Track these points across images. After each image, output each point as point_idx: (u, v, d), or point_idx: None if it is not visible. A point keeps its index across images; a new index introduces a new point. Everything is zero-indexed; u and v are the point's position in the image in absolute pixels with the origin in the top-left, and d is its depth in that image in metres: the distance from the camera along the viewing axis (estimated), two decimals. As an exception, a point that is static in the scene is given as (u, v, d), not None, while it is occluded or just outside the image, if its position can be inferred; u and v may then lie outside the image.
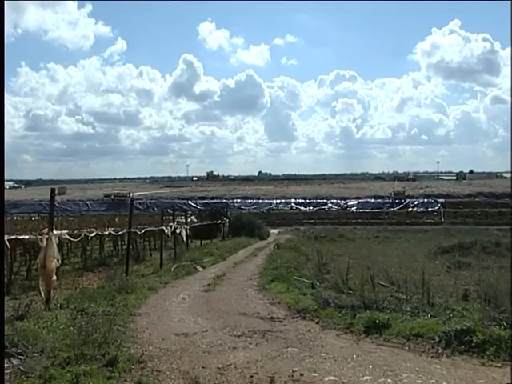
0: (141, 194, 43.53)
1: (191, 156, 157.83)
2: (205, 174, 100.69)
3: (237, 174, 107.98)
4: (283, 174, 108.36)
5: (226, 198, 40.06)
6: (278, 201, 37.83)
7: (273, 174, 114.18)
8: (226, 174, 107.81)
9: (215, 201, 38.63)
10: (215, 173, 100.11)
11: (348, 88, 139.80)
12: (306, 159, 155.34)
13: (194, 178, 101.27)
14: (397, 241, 18.43)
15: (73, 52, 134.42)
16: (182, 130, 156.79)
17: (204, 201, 38.70)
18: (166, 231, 11.08)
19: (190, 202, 37.91)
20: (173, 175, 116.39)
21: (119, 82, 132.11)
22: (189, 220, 15.74)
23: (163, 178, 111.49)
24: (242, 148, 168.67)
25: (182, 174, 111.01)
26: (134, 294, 6.55)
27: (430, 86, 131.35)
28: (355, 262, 8.38)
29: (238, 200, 39.08)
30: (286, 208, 36.28)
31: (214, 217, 20.94)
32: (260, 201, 38.34)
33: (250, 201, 38.54)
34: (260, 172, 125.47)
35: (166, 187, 63.32)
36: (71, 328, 4.12)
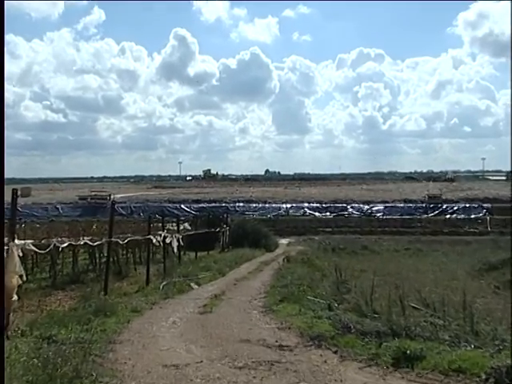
0: (124, 197, 42.91)
1: (184, 151, 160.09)
2: (201, 173, 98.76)
3: (239, 174, 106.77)
4: (295, 174, 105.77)
5: (226, 202, 39.08)
6: (289, 205, 37.17)
7: (282, 172, 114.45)
8: (226, 173, 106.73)
9: (213, 205, 37.51)
10: (213, 171, 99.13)
11: (373, 69, 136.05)
12: (321, 155, 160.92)
13: (188, 178, 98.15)
14: (432, 254, 17.93)
15: (37, 22, 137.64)
16: (174, 120, 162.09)
17: (200, 205, 37.58)
18: (154, 241, 11.03)
19: (182, 207, 36.82)
20: (162, 174, 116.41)
21: (96, 61, 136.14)
22: (181, 228, 15.57)
23: (151, 177, 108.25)
24: (246, 142, 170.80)
25: (174, 173, 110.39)
26: (114, 317, 6.45)
27: (474, 66, 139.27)
28: (381, 279, 8.31)
29: (241, 204, 38.07)
30: (297, 214, 35.81)
31: (212, 224, 20.77)
32: (267, 205, 37.47)
33: (254, 205, 37.71)
34: (267, 171, 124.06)
35: (154, 188, 61.17)
36: (35, 360, 4.00)
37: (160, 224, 13.59)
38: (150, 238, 10.92)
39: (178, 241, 13.01)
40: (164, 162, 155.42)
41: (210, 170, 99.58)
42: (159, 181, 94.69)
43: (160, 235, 11.65)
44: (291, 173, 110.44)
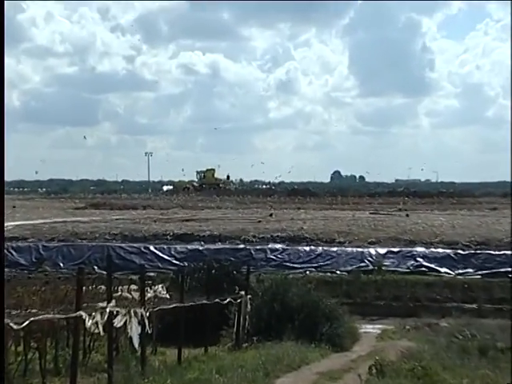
0: (22, 227, 39.20)
1: (158, 131, 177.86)
2: (194, 178, 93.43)
3: (274, 179, 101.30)
4: (397, 181, 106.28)
5: (246, 241, 37.30)
6: (383, 250, 34.97)
7: (369, 179, 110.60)
8: (247, 179, 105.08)
9: (219, 246, 35.97)
10: (220, 174, 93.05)
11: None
12: (457, 145, 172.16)
13: (166, 188, 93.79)
14: None
15: None
16: (135, 61, 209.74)
17: (190, 246, 35.82)
18: (89, 324, 10.71)
19: (152, 249, 35.00)
20: (108, 179, 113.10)
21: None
22: (150, 294, 15.24)
23: (83, 184, 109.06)
24: (291, 112, 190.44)
25: (134, 178, 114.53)
26: None
27: None
28: None
29: (278, 246, 36.34)
30: (401, 268, 33.42)
31: (216, 288, 19.80)
32: (334, 249, 35.52)
33: (307, 249, 35.76)
34: (336, 174, 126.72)
35: (91, 209, 56.52)
36: None
37: (102, 286, 13.38)
38: (80, 317, 10.65)
39: (143, 323, 12.71)
40: (112, 151, 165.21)
41: (212, 172, 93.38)
42: (100, 194, 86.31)
43: (102, 311, 11.30)
44: (388, 180, 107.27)
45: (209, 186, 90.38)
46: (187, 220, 45.37)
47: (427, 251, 34.43)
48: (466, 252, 33.83)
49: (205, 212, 53.30)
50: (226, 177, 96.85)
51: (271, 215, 48.31)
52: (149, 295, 15.27)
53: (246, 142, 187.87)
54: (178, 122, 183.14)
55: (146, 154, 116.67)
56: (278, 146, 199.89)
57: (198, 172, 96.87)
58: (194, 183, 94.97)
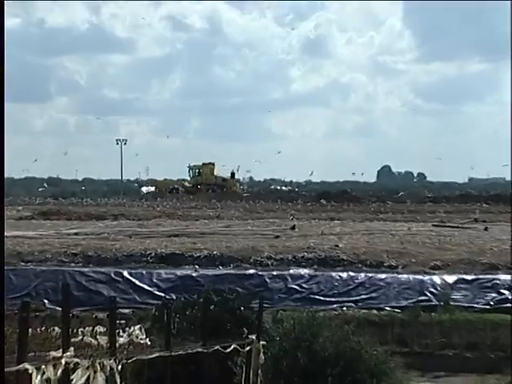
0: None
1: (135, 110, 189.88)
2: (185, 176, 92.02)
3: (298, 178, 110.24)
4: (473, 182, 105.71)
5: (257, 263, 37.54)
6: (450, 278, 35.58)
7: (433, 177, 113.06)
8: (261, 177, 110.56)
9: (219, 272, 36.39)
10: (222, 169, 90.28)
11: None
12: None
13: (146, 190, 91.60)
14: None
15: None
16: (102, 12, 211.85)
17: (178, 272, 36.35)
18: (37, 380, 11.22)
19: (127, 276, 35.72)
20: (65, 177, 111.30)
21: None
22: (123, 338, 15.59)
23: (28, 182, 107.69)
24: (324, 81, 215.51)
25: (103, 176, 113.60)
26: None
27: None
28: None
29: (304, 272, 36.82)
30: (478, 303, 33.73)
31: (215, 329, 19.91)
32: (383, 276, 36.42)
33: (343, 275, 36.28)
34: (385, 170, 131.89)
35: (39, 217, 57.02)
36: None
37: (57, 328, 14.09)
38: (24, 372, 10.89)
39: (113, 379, 12.94)
40: (70, 138, 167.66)
41: (211, 168, 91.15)
42: (53, 198, 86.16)
43: (56, 363, 11.51)
44: (459, 179, 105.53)
45: (206, 186, 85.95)
46: (175, 235, 43.44)
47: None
48: None
49: (200, 223, 50.59)
50: (229, 174, 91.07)
51: (293, 228, 45.32)
52: (121, 340, 15.24)
53: (257, 125, 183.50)
54: (162, 98, 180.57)
55: (117, 141, 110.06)
56: (302, 130, 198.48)
57: (190, 167, 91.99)
58: (186, 183, 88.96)
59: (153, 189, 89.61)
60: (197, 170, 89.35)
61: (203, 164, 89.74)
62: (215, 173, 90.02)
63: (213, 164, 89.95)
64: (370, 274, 37.00)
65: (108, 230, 49.22)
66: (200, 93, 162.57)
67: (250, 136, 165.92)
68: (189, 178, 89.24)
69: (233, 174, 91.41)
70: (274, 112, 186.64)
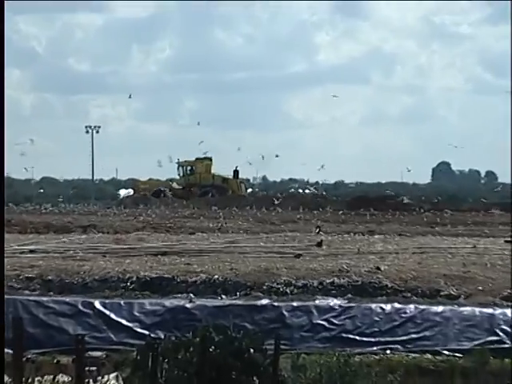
0: None
1: (110, 87, 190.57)
2: (174, 174, 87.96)
3: (326, 179, 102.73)
4: None
5: (273, 292, 42.43)
6: None
7: (506, 178, 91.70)
8: (277, 177, 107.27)
9: (221, 302, 38.58)
10: (222, 166, 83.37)
11: None
12: None
13: (125, 193, 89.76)
14: None
15: None
16: None
17: (168, 300, 40.02)
18: None
19: (100, 307, 35.21)
20: (17, 176, 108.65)
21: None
22: None
23: None
24: (361, 49, 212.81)
25: (67, 175, 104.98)
26: None
27: None
28: None
29: (334, 303, 39.55)
30: None
31: (216, 378, 21.43)
32: (439, 308, 36.27)
33: (387, 307, 38.36)
34: (443, 168, 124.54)
35: None
36: None
37: (7, 378, 15.74)
38: None
39: None
40: (24, 123, 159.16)
41: (208, 164, 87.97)
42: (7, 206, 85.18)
43: None
44: None
45: (202, 189, 77.51)
46: (164, 253, 41.56)
47: None
48: None
49: (197, 238, 48.02)
50: (232, 172, 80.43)
51: (320, 244, 45.68)
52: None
53: (272, 108, 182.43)
54: (146, 72, 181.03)
55: (87, 129, 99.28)
56: (332, 114, 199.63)
57: (180, 164, 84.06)
58: (175, 183, 77.98)
59: (132, 192, 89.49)
60: (188, 168, 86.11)
61: (197, 159, 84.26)
62: (213, 171, 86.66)
63: (209, 159, 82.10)
64: (423, 307, 35.79)
65: (74, 247, 48.08)
66: (196, 65, 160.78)
67: (262, 122, 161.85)
68: (179, 177, 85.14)
69: (236, 173, 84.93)
70: (295, 90, 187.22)
